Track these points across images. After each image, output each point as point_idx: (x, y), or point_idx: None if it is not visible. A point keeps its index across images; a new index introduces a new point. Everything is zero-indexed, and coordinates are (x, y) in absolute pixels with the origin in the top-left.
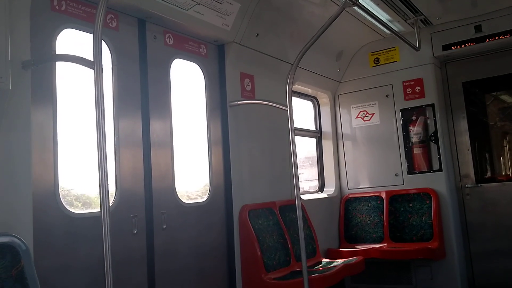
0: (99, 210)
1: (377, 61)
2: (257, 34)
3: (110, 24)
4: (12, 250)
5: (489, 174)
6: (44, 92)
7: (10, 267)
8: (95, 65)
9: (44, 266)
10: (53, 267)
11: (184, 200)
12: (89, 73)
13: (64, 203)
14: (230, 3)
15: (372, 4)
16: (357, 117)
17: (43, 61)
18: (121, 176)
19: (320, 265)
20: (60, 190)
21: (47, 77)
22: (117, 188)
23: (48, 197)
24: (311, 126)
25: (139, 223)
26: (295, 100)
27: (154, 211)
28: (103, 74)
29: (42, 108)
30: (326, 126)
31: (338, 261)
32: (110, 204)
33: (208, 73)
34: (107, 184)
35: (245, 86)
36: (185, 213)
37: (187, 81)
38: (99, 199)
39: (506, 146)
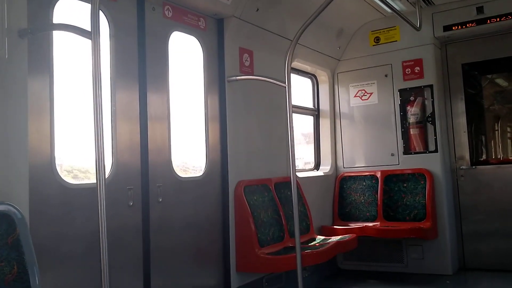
0: (95, 181)
1: (377, 40)
2: (257, 9)
3: None
4: (7, 218)
5: (484, 156)
6: (41, 62)
7: (5, 235)
8: (93, 35)
9: (40, 235)
10: (48, 237)
11: (180, 174)
12: (87, 43)
13: (60, 174)
14: None
15: None
16: (355, 96)
17: (40, 30)
18: (118, 148)
19: (313, 242)
20: (56, 160)
21: (44, 46)
22: (113, 160)
23: (45, 167)
24: (309, 104)
25: (135, 196)
26: (294, 77)
27: (150, 184)
28: (101, 45)
29: (38, 77)
30: (324, 104)
31: (331, 238)
32: (106, 176)
33: (206, 47)
34: (104, 155)
35: (244, 61)
36: (181, 187)
37: (185, 55)
38: (95, 170)
39: (498, 130)
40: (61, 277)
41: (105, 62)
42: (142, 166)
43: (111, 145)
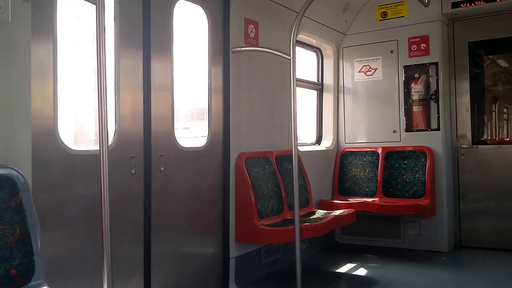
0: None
1: (384, 15)
2: None
3: None
4: (10, 182)
5: (485, 136)
6: (45, 26)
7: (8, 198)
8: (97, 0)
9: (42, 200)
10: (51, 201)
11: (183, 144)
12: (91, 8)
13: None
14: None
15: None
16: (359, 71)
17: None
18: (121, 116)
19: (312, 216)
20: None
21: (48, 10)
22: (116, 128)
23: (48, 132)
24: (312, 78)
25: (137, 164)
26: (298, 50)
27: (152, 153)
28: (105, 10)
29: (42, 42)
30: (328, 79)
31: (330, 212)
32: (110, 143)
33: (212, 16)
34: (107, 122)
35: (249, 32)
36: (183, 157)
37: (190, 24)
38: (98, 137)
39: (495, 111)
40: (62, 241)
41: (109, 29)
42: (144, 135)
43: (114, 112)
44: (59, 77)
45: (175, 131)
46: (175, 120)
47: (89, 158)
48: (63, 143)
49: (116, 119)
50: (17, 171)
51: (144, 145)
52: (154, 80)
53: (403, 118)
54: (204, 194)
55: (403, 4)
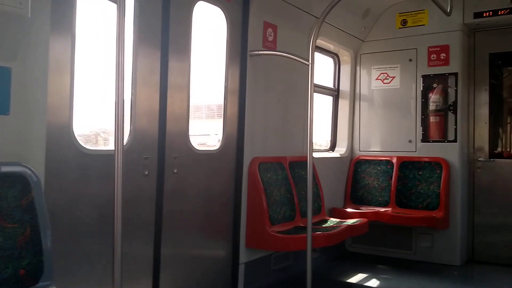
0: (112, 148)
1: (404, 22)
2: None
3: None
4: (23, 180)
5: (503, 149)
6: (64, 22)
7: (19, 196)
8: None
9: (54, 198)
10: (63, 201)
11: (196, 146)
12: (111, 5)
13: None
14: None
15: None
16: (377, 79)
17: None
18: (136, 116)
19: (324, 224)
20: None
21: (67, 6)
22: (131, 128)
23: (63, 131)
24: (328, 84)
25: (151, 165)
26: (315, 55)
27: (166, 155)
28: (125, 9)
29: (61, 38)
30: (345, 85)
31: (343, 221)
32: (124, 144)
33: (231, 18)
34: (123, 123)
35: (268, 36)
36: (196, 160)
37: (209, 25)
38: (114, 138)
39: (510, 123)
40: (73, 241)
41: (128, 27)
42: (159, 136)
43: (130, 112)
44: (76, 74)
45: (190, 133)
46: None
47: (103, 158)
48: (78, 142)
49: (132, 118)
50: (30, 169)
51: (158, 146)
52: (171, 80)
53: (419, 128)
54: (216, 197)
55: (424, 13)
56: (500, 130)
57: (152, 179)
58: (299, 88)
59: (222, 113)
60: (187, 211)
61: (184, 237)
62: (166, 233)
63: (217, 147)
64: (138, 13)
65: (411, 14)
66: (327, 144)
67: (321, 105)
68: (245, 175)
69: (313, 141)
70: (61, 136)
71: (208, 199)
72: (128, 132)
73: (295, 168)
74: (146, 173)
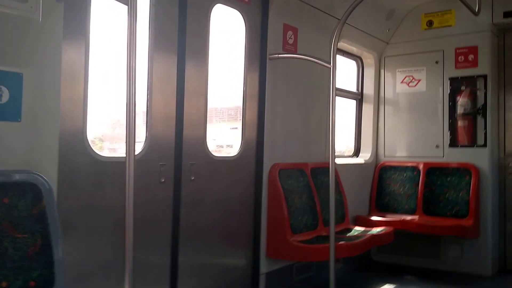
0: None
1: (430, 23)
2: None
3: None
4: (34, 188)
5: None
6: (77, 27)
7: (31, 205)
8: (130, 0)
9: (67, 207)
10: (75, 210)
11: (214, 153)
12: (125, 9)
13: (91, 145)
14: None
15: None
16: (402, 82)
17: None
18: (152, 122)
19: (348, 233)
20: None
21: (81, 11)
22: (147, 135)
23: (76, 138)
24: (351, 87)
25: (167, 172)
26: (338, 58)
27: (183, 162)
28: (138, 11)
29: (74, 43)
30: (368, 89)
31: (367, 230)
32: (140, 150)
33: (250, 21)
34: (134, 130)
35: (288, 39)
36: (214, 166)
37: (227, 29)
38: (125, 145)
39: None
40: (86, 251)
41: (143, 32)
42: (176, 143)
43: (146, 119)
44: (91, 79)
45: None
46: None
47: (118, 165)
48: (92, 148)
49: (148, 124)
50: (42, 177)
51: (175, 153)
52: (188, 86)
53: (447, 133)
54: (235, 205)
55: (451, 13)
56: None
57: (168, 187)
58: (321, 92)
59: (242, 116)
60: (205, 219)
61: (202, 245)
62: (183, 241)
63: (235, 153)
64: (154, 17)
65: (437, 15)
66: (347, 150)
67: (345, 109)
68: (265, 182)
69: (335, 146)
70: (74, 143)
71: (227, 207)
72: (144, 138)
73: (317, 174)
74: (163, 180)
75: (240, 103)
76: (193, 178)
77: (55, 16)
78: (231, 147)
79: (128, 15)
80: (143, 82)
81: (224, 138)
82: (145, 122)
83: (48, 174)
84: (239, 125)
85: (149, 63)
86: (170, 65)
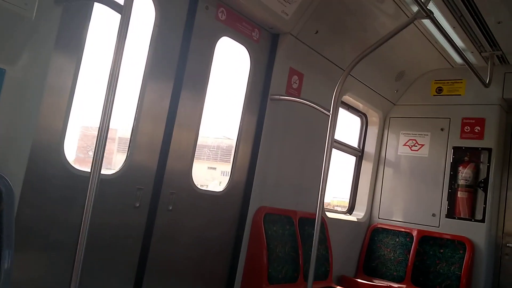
0: (106, 171)
1: (439, 90)
2: (317, 31)
3: None
4: None
5: None
6: (74, 34)
7: None
8: (124, 9)
9: (28, 216)
10: (37, 220)
11: (199, 186)
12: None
13: (67, 156)
14: None
15: (447, 25)
16: (404, 145)
17: None
18: (136, 144)
19: None
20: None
21: (80, 18)
22: (128, 155)
23: (51, 147)
24: (353, 143)
25: (144, 198)
26: (343, 113)
27: (162, 189)
28: (130, 21)
29: (67, 50)
30: (370, 147)
31: None
32: (117, 170)
33: (255, 60)
34: (104, 145)
35: (292, 83)
36: (196, 199)
37: (231, 62)
38: (92, 157)
39: None
40: (39, 268)
41: (142, 52)
42: (158, 169)
43: (130, 139)
44: (78, 91)
45: (193, 172)
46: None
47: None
48: (67, 161)
49: (131, 145)
50: (4, 178)
51: (155, 179)
52: (180, 116)
53: (445, 203)
54: (213, 244)
55: (461, 82)
56: None
57: (143, 213)
58: (320, 141)
59: (233, 154)
60: (178, 254)
61: (170, 282)
62: (149, 274)
63: (221, 189)
64: (156, 38)
65: (448, 83)
66: (348, 206)
67: (345, 163)
68: (249, 225)
69: (324, 198)
70: (48, 151)
71: (204, 244)
72: (124, 158)
73: (306, 225)
74: (138, 205)
75: (228, 141)
76: (171, 208)
77: (50, 18)
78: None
79: (119, 25)
80: (133, 102)
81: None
82: (118, 147)
83: (14, 177)
84: (218, 166)
85: (142, 86)
86: (164, 92)
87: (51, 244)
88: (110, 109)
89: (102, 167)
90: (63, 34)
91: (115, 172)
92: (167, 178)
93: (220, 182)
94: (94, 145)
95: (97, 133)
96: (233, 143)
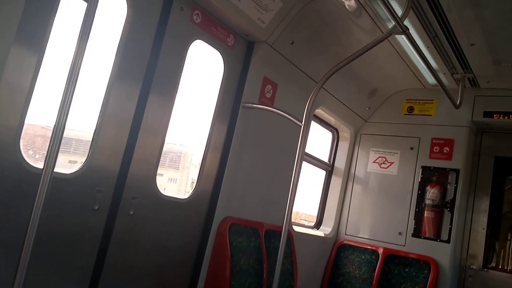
0: (64, 170)
1: (410, 109)
2: (293, 42)
3: None
4: None
5: (496, 264)
6: (38, 27)
7: None
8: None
9: None
10: None
11: (163, 191)
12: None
13: (23, 154)
14: None
15: (421, 44)
16: (374, 162)
17: None
18: (98, 144)
19: None
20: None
21: (46, 11)
22: (89, 154)
23: (5, 141)
24: (324, 157)
25: (104, 201)
26: (315, 126)
27: (124, 193)
28: (98, 13)
29: (28, 44)
30: (340, 162)
31: None
32: (76, 170)
33: (229, 66)
34: (60, 140)
35: (266, 92)
36: (159, 205)
37: (203, 67)
38: (45, 153)
39: (510, 239)
40: None
41: (111, 50)
42: (120, 172)
43: (92, 138)
44: (38, 86)
45: (157, 177)
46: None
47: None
48: (22, 156)
49: (92, 145)
50: None
51: (116, 182)
52: (146, 120)
53: (412, 221)
54: (175, 253)
55: (432, 103)
56: (497, 242)
57: (102, 215)
58: (291, 153)
59: (201, 161)
60: (136, 260)
61: None
62: (105, 280)
63: (187, 196)
64: (126, 36)
65: (419, 103)
66: (316, 220)
67: (315, 177)
68: (213, 234)
69: (292, 211)
70: (2, 146)
71: (165, 252)
72: (85, 159)
73: (272, 238)
74: (96, 207)
75: (179, 147)
76: (132, 212)
77: (13, 7)
78: None
79: (85, 14)
80: (98, 103)
81: None
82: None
83: None
84: (166, 172)
85: (108, 85)
86: (131, 95)
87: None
88: (68, 106)
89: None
90: (25, 27)
91: (74, 172)
92: (130, 182)
93: (164, 188)
94: (49, 143)
95: (52, 130)
96: (185, 149)
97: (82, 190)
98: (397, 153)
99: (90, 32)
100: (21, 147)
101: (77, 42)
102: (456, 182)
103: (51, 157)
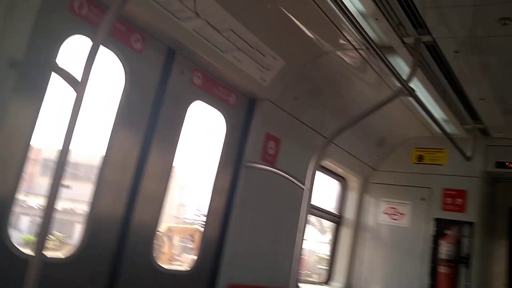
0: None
1: (420, 158)
2: (296, 98)
3: (133, 44)
4: None
5: None
6: (28, 100)
7: None
8: (80, 86)
9: None
10: None
11: (162, 264)
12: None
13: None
14: (274, 58)
15: (430, 99)
16: (385, 213)
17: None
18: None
19: None
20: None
21: (37, 87)
22: (85, 233)
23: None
24: (332, 208)
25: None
26: (321, 175)
27: (122, 270)
28: (86, 94)
29: (26, 101)
30: (349, 213)
31: None
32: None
33: (231, 125)
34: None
35: (268, 149)
36: (160, 282)
37: (204, 126)
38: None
39: None
40: None
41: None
42: (119, 245)
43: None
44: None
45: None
46: None
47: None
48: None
49: (88, 220)
50: None
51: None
52: (144, 191)
53: (426, 277)
54: None
55: (443, 152)
56: None
57: None
58: (295, 212)
59: (203, 227)
60: None
61: None
62: None
63: (188, 268)
64: (124, 103)
65: (429, 151)
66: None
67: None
68: None
69: (299, 271)
70: None
71: None
72: (82, 235)
73: None
74: None
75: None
76: None
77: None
78: None
79: (74, 101)
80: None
81: None
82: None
83: None
84: None
85: (106, 156)
86: (127, 165)
87: None
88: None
89: None
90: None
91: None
92: (127, 257)
93: None
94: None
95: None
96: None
97: (79, 269)
98: (408, 204)
99: (77, 120)
100: None
101: (67, 129)
102: (471, 236)
103: (41, 241)
